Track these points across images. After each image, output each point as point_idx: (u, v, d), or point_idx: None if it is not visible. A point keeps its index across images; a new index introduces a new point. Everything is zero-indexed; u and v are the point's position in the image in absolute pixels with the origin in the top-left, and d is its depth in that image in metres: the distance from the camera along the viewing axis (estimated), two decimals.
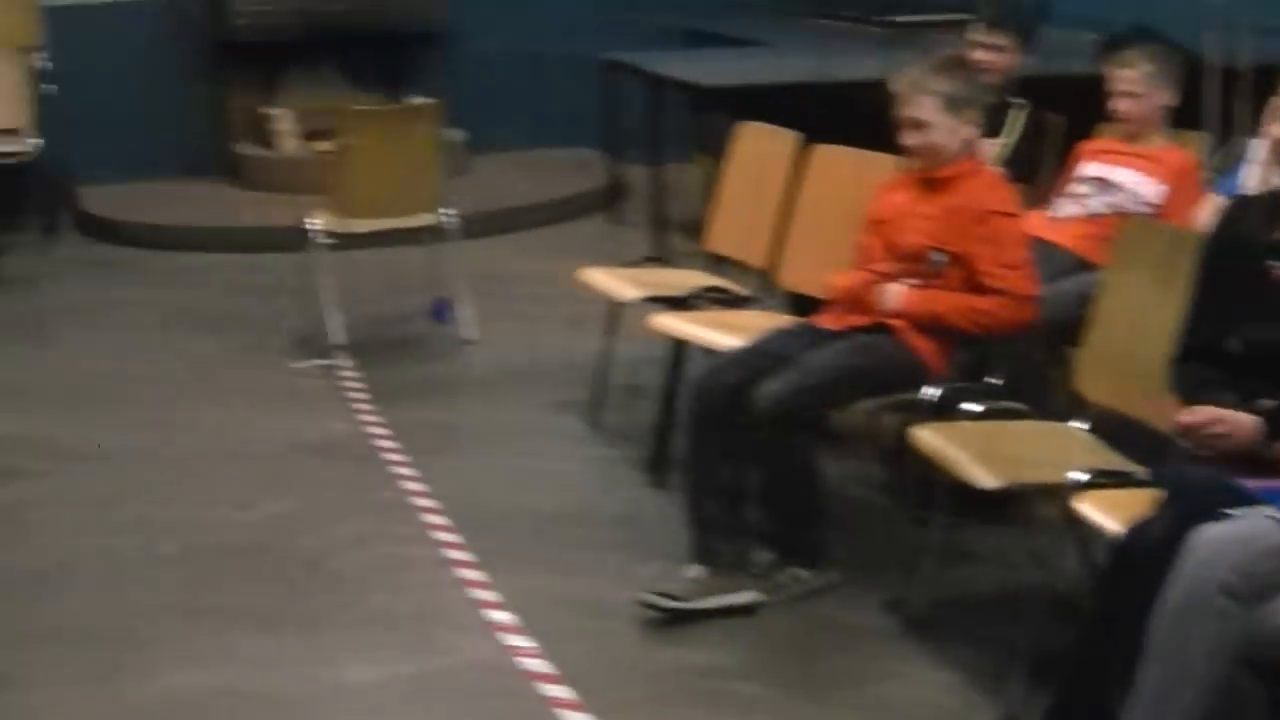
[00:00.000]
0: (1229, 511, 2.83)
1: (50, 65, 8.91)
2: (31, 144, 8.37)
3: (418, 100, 8.70)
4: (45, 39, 9.04)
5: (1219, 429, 3.06)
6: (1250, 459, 3.05)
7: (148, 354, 6.58)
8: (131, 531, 4.73)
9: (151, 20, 9.40)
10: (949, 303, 4.07)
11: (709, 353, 4.62)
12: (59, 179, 8.89)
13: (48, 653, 3.98)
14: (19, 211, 8.65)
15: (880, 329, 4.11)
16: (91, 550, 4.61)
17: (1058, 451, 3.66)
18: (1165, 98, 4.92)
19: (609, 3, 9.83)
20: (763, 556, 4.12)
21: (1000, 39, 5.44)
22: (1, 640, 4.04)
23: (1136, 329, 3.73)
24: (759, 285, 5.14)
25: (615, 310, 5.34)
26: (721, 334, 4.57)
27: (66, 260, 8.27)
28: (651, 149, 8.10)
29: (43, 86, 8.76)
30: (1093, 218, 4.83)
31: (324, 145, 8.63)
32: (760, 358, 4.14)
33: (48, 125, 8.63)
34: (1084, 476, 3.38)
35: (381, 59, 9.46)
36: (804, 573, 4.10)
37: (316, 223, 6.41)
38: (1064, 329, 4.14)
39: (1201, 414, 3.09)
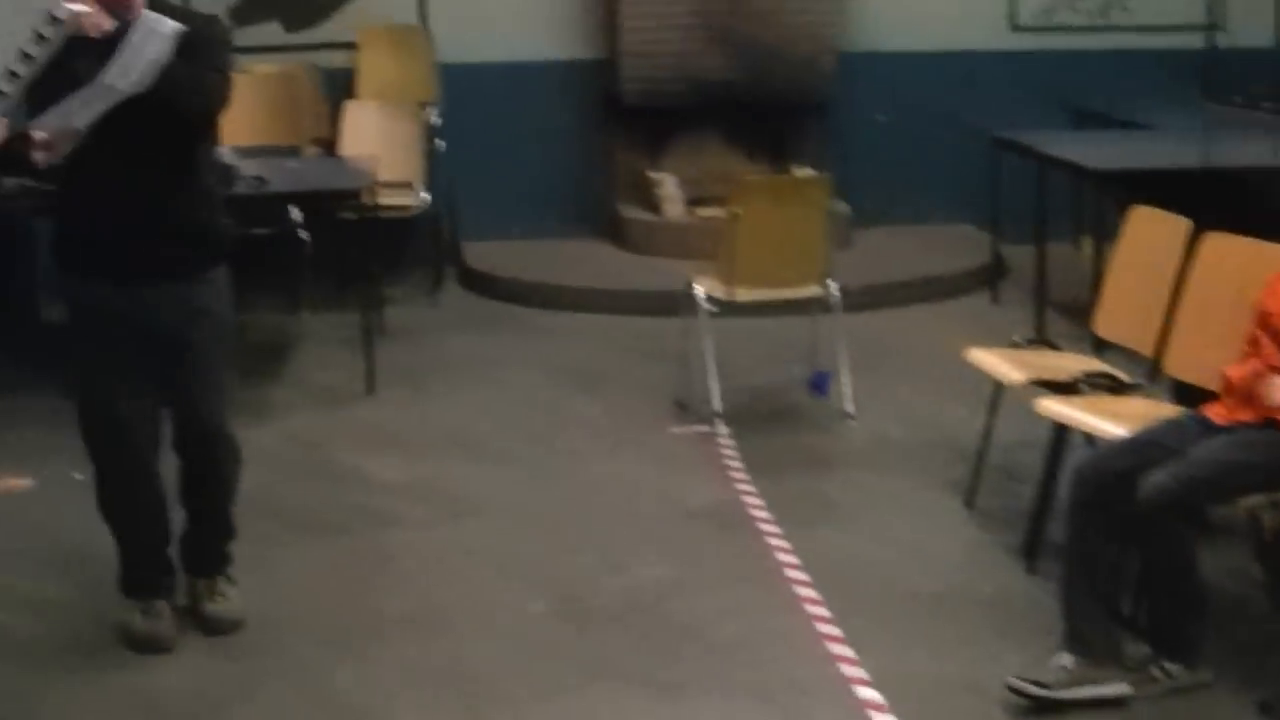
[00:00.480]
0: None
1: (442, 121, 9.68)
2: (421, 198, 9.08)
3: (806, 172, 9.15)
4: (439, 95, 9.83)
5: None
6: None
7: (526, 410, 7.12)
8: (502, 585, 5.20)
9: (543, 81, 10.06)
10: None
11: (1091, 439, 4.86)
12: (445, 233, 9.64)
13: (413, 696, 4.42)
14: (405, 264, 9.41)
15: (1270, 424, 4.30)
16: (461, 601, 5.07)
17: None
18: None
19: (996, 79, 10.12)
20: (1136, 649, 4.32)
21: None
22: (368, 681, 4.50)
23: None
24: (1145, 372, 5.33)
25: (998, 391, 5.63)
26: (1108, 421, 4.77)
27: (449, 314, 8.96)
28: (1036, 228, 8.36)
29: (435, 142, 9.52)
30: None
31: (707, 211, 9.16)
32: (1147, 447, 4.34)
33: (437, 180, 9.40)
34: None
35: (767, 128, 9.89)
36: (1178, 669, 4.28)
37: (701, 289, 6.86)
38: None
39: None
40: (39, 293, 8.41)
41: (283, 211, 8.38)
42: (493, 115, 10.01)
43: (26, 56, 2.27)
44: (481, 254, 9.65)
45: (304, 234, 8.57)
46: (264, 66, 9.52)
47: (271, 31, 9.99)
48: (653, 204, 9.79)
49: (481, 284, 9.41)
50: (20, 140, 3.87)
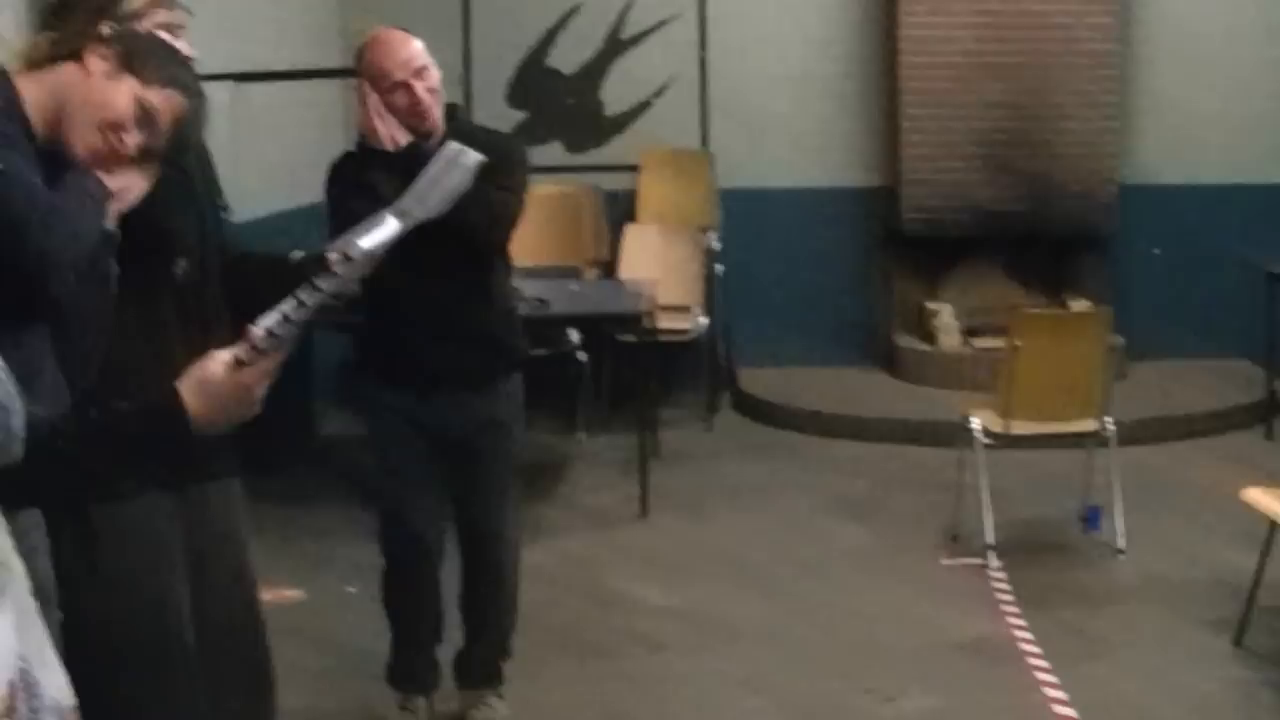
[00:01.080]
0: None
1: (721, 245, 9.99)
2: (699, 322, 9.37)
3: (1083, 304, 9.24)
4: (719, 219, 10.15)
5: None
6: None
7: (797, 537, 7.31)
8: (771, 714, 5.38)
9: (822, 207, 10.30)
10: None
11: None
12: (721, 358, 9.92)
13: None
14: (682, 388, 9.69)
15: None
16: None
17: None
18: None
19: (1273, 213, 10.06)
20: None
21: None
22: None
23: None
24: None
25: (1273, 530, 5.67)
26: None
27: (723, 438, 9.20)
28: None
29: (713, 266, 9.81)
30: None
31: (983, 342, 9.28)
32: None
33: (714, 304, 9.69)
34: None
35: (1046, 260, 9.99)
36: None
37: (976, 421, 7.00)
38: None
39: None
40: (315, 407, 8.87)
41: (562, 333, 8.74)
42: (771, 240, 10.27)
43: (316, 288, 2.52)
44: (756, 379, 9.89)
45: (582, 355, 8.92)
46: (547, 187, 9.92)
47: (554, 152, 10.41)
48: (928, 333, 9.94)
49: (756, 409, 9.65)
50: (317, 262, 4.13)
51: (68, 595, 3.16)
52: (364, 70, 4.73)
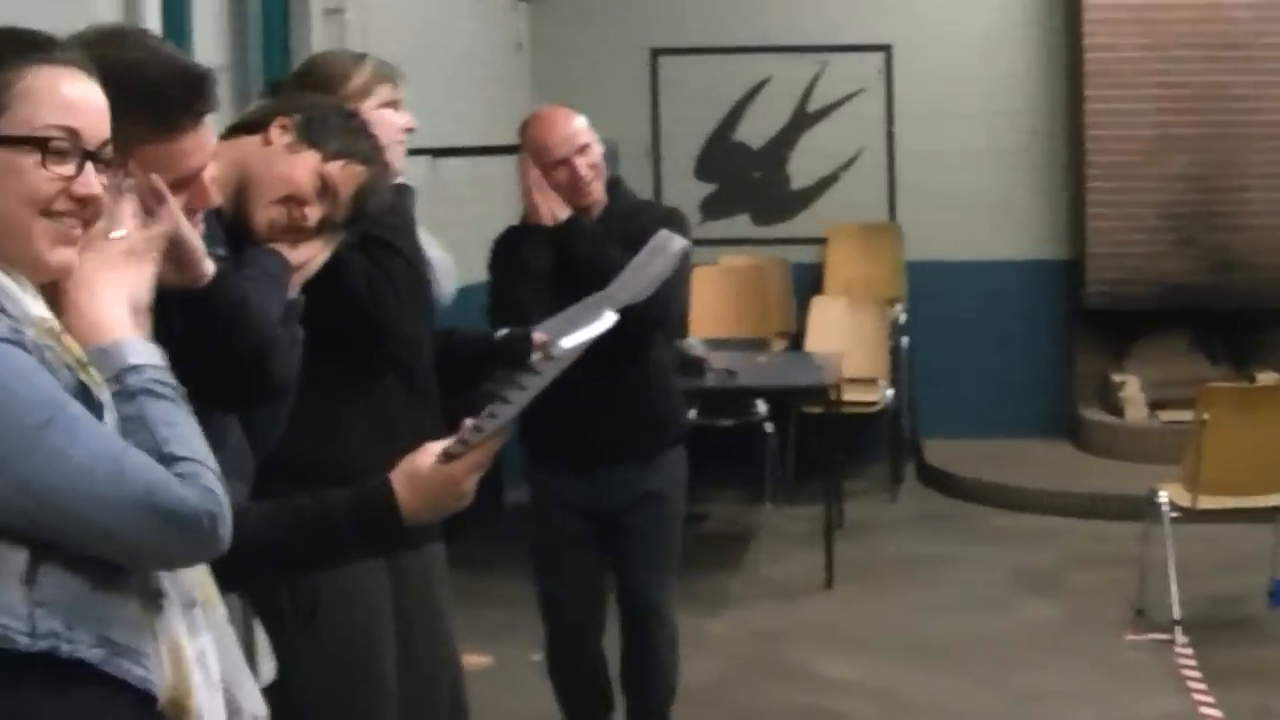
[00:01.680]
0: None
1: (907, 318, 10.00)
2: (885, 394, 9.38)
3: (1272, 377, 9.09)
4: (905, 292, 10.16)
5: None
6: None
7: (980, 612, 7.26)
8: None
9: (1008, 280, 10.28)
10: None
11: None
12: (906, 430, 9.90)
13: None
14: (867, 459, 9.70)
15: None
16: None
17: None
18: None
19: None
20: None
21: None
22: None
23: None
24: None
25: None
26: None
27: (907, 510, 9.19)
28: None
29: (900, 339, 9.83)
30: None
31: (1170, 415, 9.16)
32: None
33: (900, 376, 9.70)
34: None
35: (1232, 333, 9.87)
36: None
37: (1164, 495, 6.90)
38: None
39: None
40: (503, 475, 8.99)
41: (749, 404, 8.80)
42: (957, 313, 10.24)
43: (519, 386, 2.60)
44: (941, 451, 9.86)
45: (769, 426, 8.97)
46: (734, 259, 10.05)
47: (742, 225, 10.51)
48: (1114, 406, 9.83)
49: (940, 481, 9.61)
50: (523, 341, 4.15)
51: (283, 652, 3.25)
52: (527, 146, 4.75)
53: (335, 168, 3.17)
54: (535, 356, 2.73)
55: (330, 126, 3.20)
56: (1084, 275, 9.99)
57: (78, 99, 2.11)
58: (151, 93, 2.46)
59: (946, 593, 7.57)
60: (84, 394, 2.04)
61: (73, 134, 2.08)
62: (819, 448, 8.45)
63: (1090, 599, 7.32)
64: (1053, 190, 10.34)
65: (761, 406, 8.92)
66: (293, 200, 3.14)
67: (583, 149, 4.68)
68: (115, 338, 2.13)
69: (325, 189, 3.18)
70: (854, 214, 10.41)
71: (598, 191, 4.72)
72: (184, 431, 2.09)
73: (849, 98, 10.46)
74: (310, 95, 3.51)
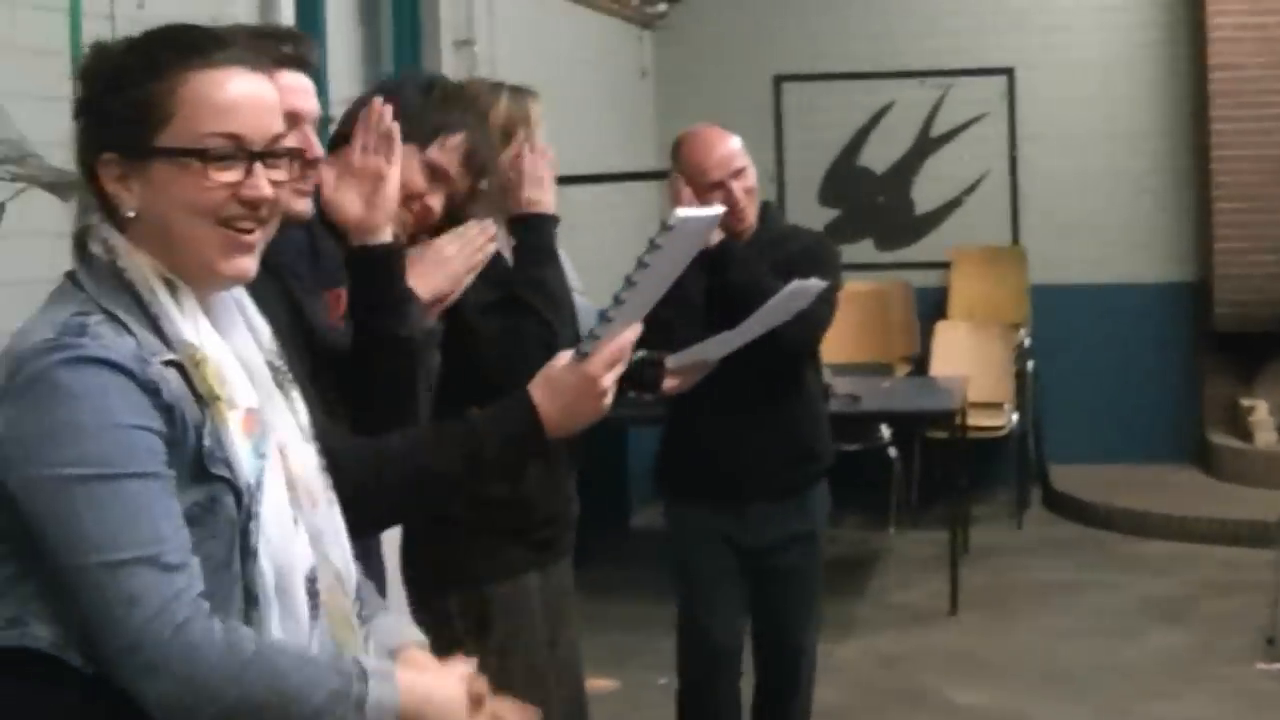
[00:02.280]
0: None
1: (1031, 342, 9.91)
2: (1011, 419, 9.30)
3: None
4: (1030, 315, 10.07)
5: None
6: None
7: (1107, 639, 7.16)
8: None
9: (1134, 303, 10.16)
10: None
11: None
12: (1032, 455, 9.81)
13: None
14: (992, 484, 9.62)
15: None
16: None
17: None
18: None
19: None
20: None
21: None
22: None
23: None
24: None
25: None
26: None
27: (1033, 536, 9.09)
28: None
29: (1025, 363, 9.74)
30: None
31: None
32: None
33: (1025, 401, 9.61)
34: None
35: None
36: None
37: None
38: None
39: None
40: (630, 499, 9.01)
41: (874, 429, 8.76)
42: (1082, 336, 10.16)
43: (642, 265, 2.56)
44: (1067, 476, 9.75)
45: (893, 452, 8.92)
46: (858, 284, 9.97)
47: (865, 249, 10.46)
48: (1244, 430, 9.68)
49: (1066, 507, 9.51)
50: (654, 367, 4.05)
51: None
52: (680, 166, 4.58)
53: (435, 151, 3.16)
54: (659, 238, 2.66)
55: (413, 113, 3.11)
56: (1211, 297, 9.85)
57: (241, 100, 2.07)
58: None
59: (1075, 620, 7.48)
60: (196, 433, 2.00)
61: (235, 138, 2.05)
62: (944, 473, 8.39)
63: (1221, 627, 7.21)
64: (1178, 211, 10.21)
65: (886, 431, 8.87)
66: (410, 199, 3.11)
67: (738, 172, 4.52)
68: None
69: (435, 175, 3.17)
70: (978, 237, 10.35)
71: (751, 216, 4.57)
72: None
73: (972, 121, 10.41)
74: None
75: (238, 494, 2.02)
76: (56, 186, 3.68)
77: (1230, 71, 9.75)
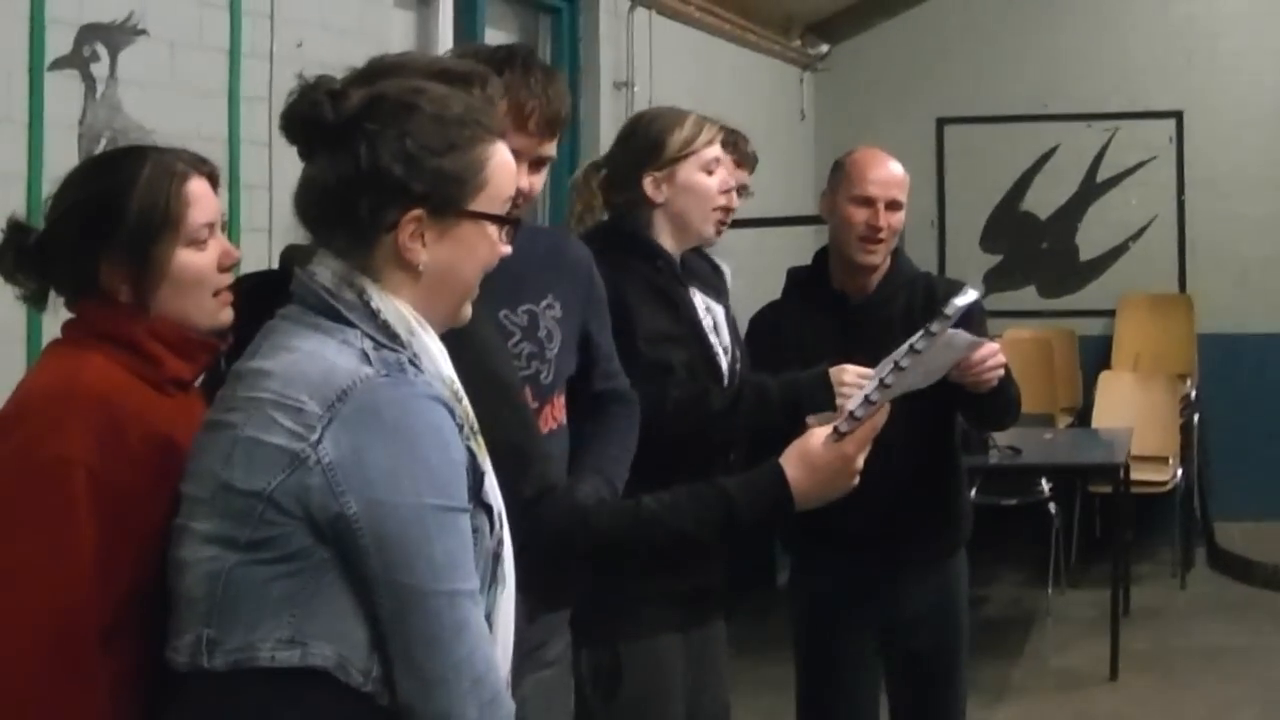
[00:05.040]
0: None
1: (1199, 393, 9.66)
2: (1176, 473, 9.06)
3: None
4: (1197, 365, 9.82)
5: None
6: None
7: (1277, 708, 6.93)
8: None
9: None
10: None
11: None
12: (1197, 511, 9.55)
13: None
14: (1155, 542, 9.36)
15: None
16: None
17: None
18: None
19: None
20: None
21: None
22: None
23: None
24: None
25: None
26: None
27: (1198, 597, 8.82)
28: None
29: (1190, 414, 9.49)
30: None
31: None
32: None
33: (1190, 454, 9.35)
34: None
35: None
36: None
37: None
38: None
39: None
40: (776, 556, 8.87)
41: (1034, 482, 8.56)
42: (1252, 387, 9.91)
43: (899, 367, 2.59)
44: (1234, 534, 9.49)
45: (1053, 506, 8.71)
46: (1020, 331, 9.81)
47: (1029, 296, 10.29)
48: None
49: (1234, 566, 9.23)
50: (823, 379, 3.83)
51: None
52: (838, 178, 4.29)
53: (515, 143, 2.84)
54: (934, 325, 2.59)
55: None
56: None
57: (512, 167, 2.28)
58: None
59: (1242, 687, 7.22)
60: (472, 462, 2.14)
61: (510, 203, 2.25)
62: (1105, 529, 8.18)
63: None
64: None
65: (1046, 485, 8.67)
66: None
67: (893, 204, 4.24)
68: None
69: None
70: (1144, 284, 10.16)
71: (882, 255, 4.25)
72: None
73: (1139, 165, 10.21)
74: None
75: (493, 523, 2.18)
76: None
77: None
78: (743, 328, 4.17)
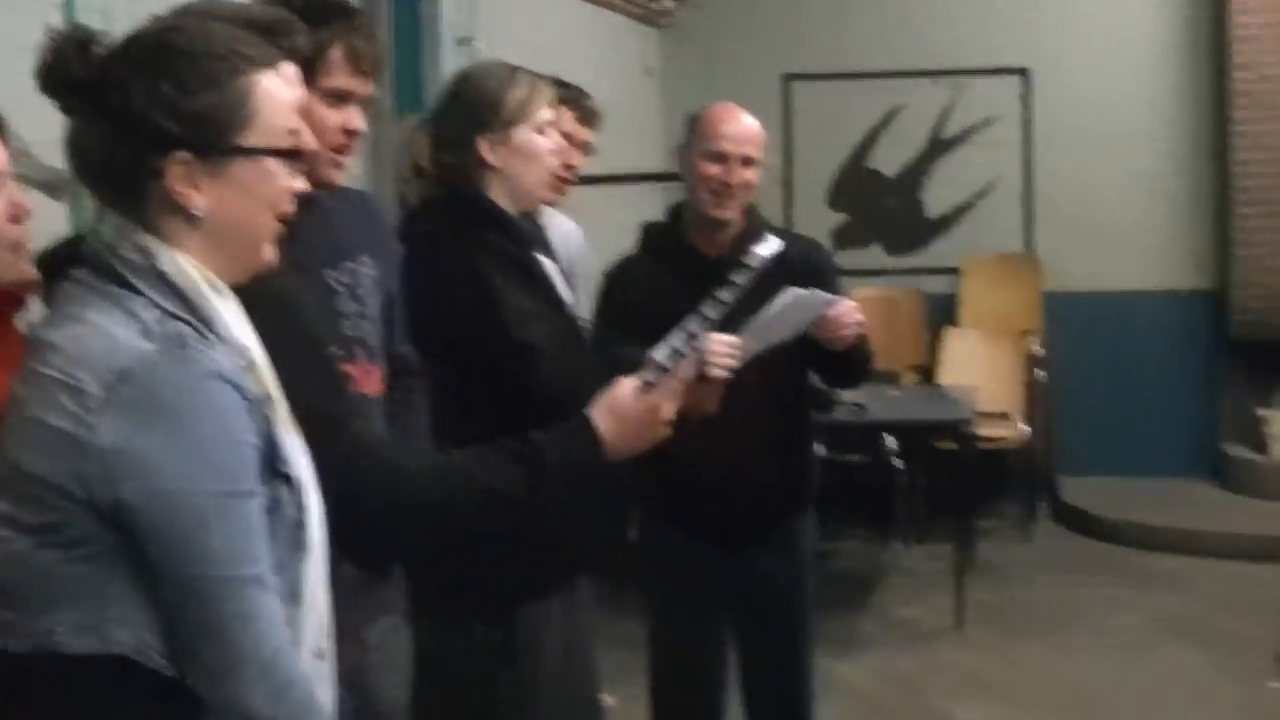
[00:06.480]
0: None
1: (1044, 351, 9.91)
2: (1020, 429, 9.29)
3: None
4: (1042, 324, 10.07)
5: None
6: None
7: (1118, 658, 7.15)
8: None
9: (1148, 311, 10.17)
10: None
11: None
12: (1042, 467, 9.79)
13: None
14: (998, 498, 9.62)
15: None
16: None
17: None
18: None
19: None
20: None
21: None
22: None
23: None
24: None
25: None
26: None
27: (1042, 551, 9.08)
28: None
29: (1035, 372, 9.73)
30: None
31: None
32: None
33: (1035, 411, 9.61)
34: None
35: None
36: None
37: None
38: None
39: None
40: (631, 514, 8.96)
41: (879, 440, 8.75)
42: (1096, 345, 10.15)
43: (706, 319, 2.70)
44: (1078, 489, 9.75)
45: (899, 463, 8.92)
46: (865, 290, 9.97)
47: (875, 255, 10.47)
48: (1261, 443, 9.68)
49: (1077, 521, 9.49)
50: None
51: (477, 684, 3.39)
52: (693, 134, 4.38)
53: (319, 99, 2.96)
54: (737, 276, 2.69)
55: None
56: (1229, 306, 9.87)
57: (294, 96, 2.21)
58: None
59: (1084, 637, 7.48)
60: (265, 435, 2.09)
61: (295, 135, 2.19)
62: (951, 485, 8.39)
63: (1235, 645, 7.19)
64: (1198, 218, 10.21)
65: (892, 442, 8.87)
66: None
67: (746, 160, 4.32)
68: None
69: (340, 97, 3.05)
70: (990, 243, 10.35)
71: (734, 210, 4.34)
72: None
73: (986, 123, 10.41)
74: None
75: (295, 492, 2.14)
76: (51, 187, 3.69)
77: (1252, 72, 9.73)
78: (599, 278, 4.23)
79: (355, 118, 3.05)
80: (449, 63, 6.97)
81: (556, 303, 3.64)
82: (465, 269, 3.47)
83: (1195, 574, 8.42)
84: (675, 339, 2.69)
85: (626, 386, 2.62)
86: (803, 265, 4.24)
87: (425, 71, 7.04)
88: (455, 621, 3.52)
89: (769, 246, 2.91)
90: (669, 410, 2.63)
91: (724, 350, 3.16)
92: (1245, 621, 7.47)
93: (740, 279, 2.61)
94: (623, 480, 3.37)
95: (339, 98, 3.04)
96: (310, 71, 2.79)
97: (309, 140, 2.18)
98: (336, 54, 3.02)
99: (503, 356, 3.46)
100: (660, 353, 2.69)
